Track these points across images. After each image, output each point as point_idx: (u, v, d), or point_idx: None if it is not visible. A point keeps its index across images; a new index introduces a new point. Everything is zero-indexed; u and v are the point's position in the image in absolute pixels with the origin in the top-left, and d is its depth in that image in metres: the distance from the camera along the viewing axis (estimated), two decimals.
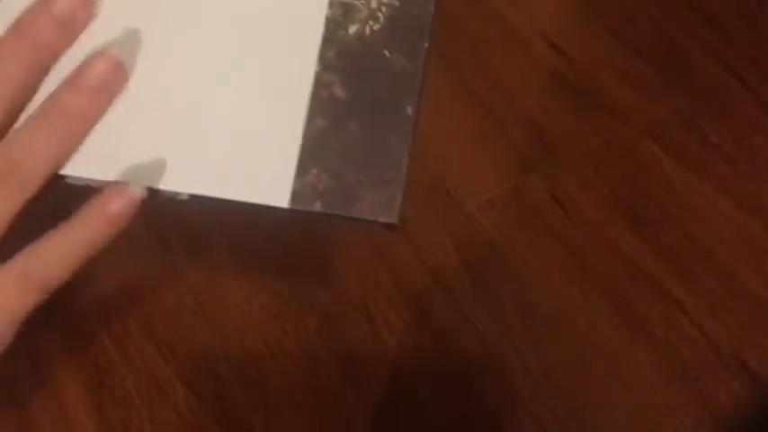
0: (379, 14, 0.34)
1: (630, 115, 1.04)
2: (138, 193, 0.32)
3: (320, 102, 0.33)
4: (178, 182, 0.33)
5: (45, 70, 0.33)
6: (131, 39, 0.33)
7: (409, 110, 0.34)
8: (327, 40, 0.34)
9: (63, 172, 0.33)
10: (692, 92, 1.05)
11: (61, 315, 0.96)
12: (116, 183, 0.33)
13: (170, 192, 0.33)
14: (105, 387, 0.92)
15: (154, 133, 0.33)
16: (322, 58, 0.34)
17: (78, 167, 0.33)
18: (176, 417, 0.89)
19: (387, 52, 0.34)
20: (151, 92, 0.33)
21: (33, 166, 0.31)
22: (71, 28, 0.33)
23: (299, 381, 0.90)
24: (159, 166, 0.33)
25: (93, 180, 0.33)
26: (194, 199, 0.33)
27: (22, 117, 0.32)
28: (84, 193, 0.32)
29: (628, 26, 1.11)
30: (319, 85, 0.34)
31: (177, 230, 1.02)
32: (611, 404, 0.85)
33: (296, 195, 0.33)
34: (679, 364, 0.87)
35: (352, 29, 0.34)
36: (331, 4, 0.34)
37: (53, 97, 0.32)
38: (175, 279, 0.98)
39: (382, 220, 0.33)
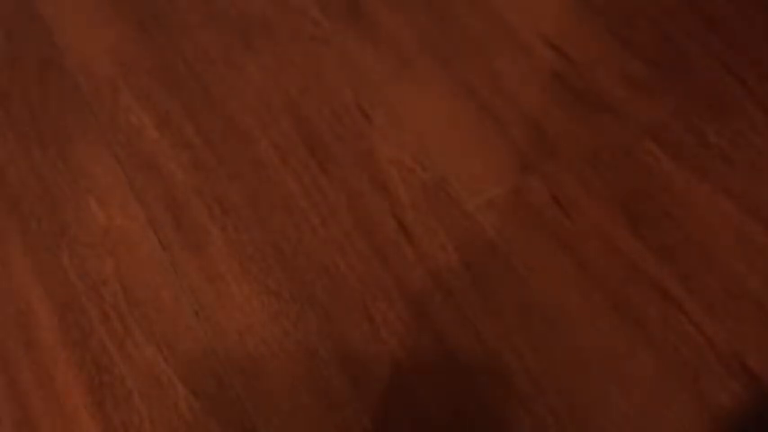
0: None
1: (630, 115, 1.04)
2: None
3: None
4: None
5: None
6: None
7: None
8: None
9: None
10: (691, 92, 1.05)
11: (62, 315, 0.96)
12: None
13: None
14: (105, 387, 0.92)
15: None
16: None
17: None
18: (176, 417, 0.89)
19: None
20: None
21: None
22: None
23: (299, 381, 0.90)
24: None
25: None
26: None
27: None
28: None
29: (627, 27, 1.11)
30: None
31: (178, 229, 1.02)
32: (611, 404, 0.86)
33: None
34: (679, 364, 0.87)
35: None
36: None
37: None
38: (175, 279, 0.98)
39: None
